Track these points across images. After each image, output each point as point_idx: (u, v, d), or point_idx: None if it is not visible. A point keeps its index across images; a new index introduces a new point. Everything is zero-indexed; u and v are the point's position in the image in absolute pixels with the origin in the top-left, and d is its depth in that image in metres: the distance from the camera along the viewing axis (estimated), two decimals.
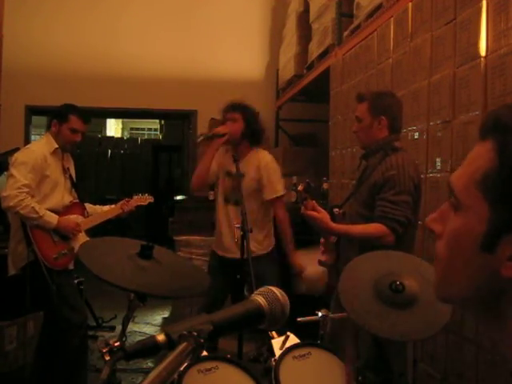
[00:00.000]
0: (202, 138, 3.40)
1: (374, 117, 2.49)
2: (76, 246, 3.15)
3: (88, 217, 3.32)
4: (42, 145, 3.22)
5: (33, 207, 2.98)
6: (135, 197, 3.58)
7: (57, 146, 3.19)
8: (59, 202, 3.19)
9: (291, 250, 3.38)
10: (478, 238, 0.67)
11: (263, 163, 3.30)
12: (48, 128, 3.28)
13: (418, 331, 1.67)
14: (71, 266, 3.22)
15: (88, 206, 3.40)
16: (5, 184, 3.06)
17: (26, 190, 2.99)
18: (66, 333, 3.10)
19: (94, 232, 3.30)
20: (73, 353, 3.12)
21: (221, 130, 3.26)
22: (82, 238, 3.23)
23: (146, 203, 3.62)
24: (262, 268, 3.08)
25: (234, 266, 3.04)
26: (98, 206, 3.46)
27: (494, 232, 0.65)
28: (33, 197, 3.03)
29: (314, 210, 2.33)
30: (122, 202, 3.44)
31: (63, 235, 3.15)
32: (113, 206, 3.47)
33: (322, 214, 2.32)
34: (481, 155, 0.68)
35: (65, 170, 3.28)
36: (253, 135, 3.30)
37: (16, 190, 2.96)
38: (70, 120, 3.19)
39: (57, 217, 3.11)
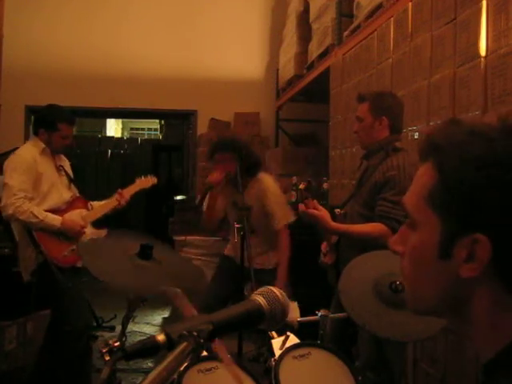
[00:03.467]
0: (199, 200, 3.33)
1: (375, 117, 2.49)
2: (84, 240, 3.15)
3: (91, 209, 3.30)
4: (28, 147, 3.19)
5: (31, 212, 2.96)
6: (137, 180, 3.51)
7: (44, 145, 3.16)
8: (59, 200, 3.17)
9: (282, 278, 3.24)
10: (434, 249, 0.74)
11: (261, 192, 3.23)
12: (35, 132, 3.23)
13: (418, 331, 1.67)
14: (79, 264, 3.18)
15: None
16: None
17: (23, 194, 2.98)
18: (70, 335, 3.08)
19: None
20: (76, 356, 3.10)
21: (214, 179, 3.18)
22: (89, 230, 3.21)
23: (149, 185, 3.53)
24: (267, 278, 3.10)
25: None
26: (95, 202, 3.44)
27: (448, 239, 0.72)
28: (32, 199, 3.02)
29: (314, 208, 2.33)
30: (116, 195, 3.37)
31: (68, 236, 3.13)
32: (108, 199, 3.41)
33: (323, 213, 2.32)
34: (424, 175, 0.77)
35: (58, 168, 3.25)
36: (248, 169, 3.21)
37: (12, 198, 2.95)
38: (60, 129, 3.16)
39: (60, 218, 3.08)
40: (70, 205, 3.22)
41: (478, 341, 0.75)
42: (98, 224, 3.35)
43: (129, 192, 3.42)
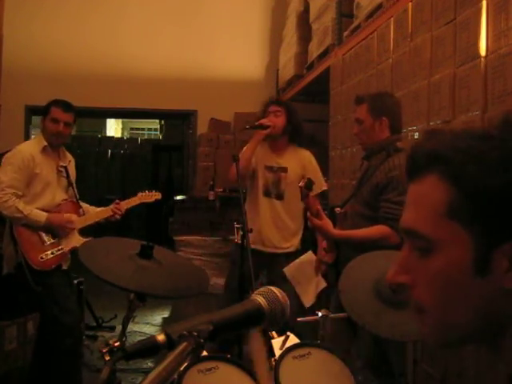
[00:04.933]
0: (247, 127, 3.39)
1: (374, 118, 2.49)
2: (67, 246, 3.10)
3: (83, 215, 3.24)
4: (31, 144, 3.19)
5: (16, 207, 2.95)
6: (139, 194, 3.44)
7: (46, 143, 3.13)
8: (50, 202, 3.13)
9: None
10: (469, 266, 0.67)
11: (307, 161, 3.38)
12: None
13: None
14: (65, 266, 3.16)
15: (84, 205, 3.32)
16: None
17: (12, 190, 2.97)
18: (56, 334, 3.06)
19: (94, 233, 3.26)
20: (65, 354, 3.07)
21: (265, 121, 3.27)
22: (75, 238, 3.16)
23: (152, 200, 3.47)
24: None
25: (271, 260, 3.21)
26: (92, 207, 3.39)
27: (484, 251, 0.66)
28: (21, 197, 3.01)
29: (318, 215, 2.36)
30: (113, 205, 3.29)
31: (54, 234, 3.09)
32: (105, 208, 3.33)
33: (324, 221, 2.36)
34: (430, 191, 0.70)
35: (59, 169, 3.22)
36: (294, 131, 3.35)
37: (0, 193, 2.95)
38: (51, 111, 3.14)
39: (45, 214, 3.04)
40: (60, 208, 3.17)
41: (508, 355, 0.69)
42: (92, 225, 3.30)
43: (127, 204, 3.34)
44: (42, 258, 3.02)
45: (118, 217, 3.28)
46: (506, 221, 0.65)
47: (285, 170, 3.33)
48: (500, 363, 0.70)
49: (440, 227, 0.68)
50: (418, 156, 0.73)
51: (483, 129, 0.72)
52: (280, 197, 3.33)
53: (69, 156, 3.35)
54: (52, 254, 3.05)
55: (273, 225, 3.32)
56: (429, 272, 0.69)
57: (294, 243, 3.38)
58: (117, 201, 3.33)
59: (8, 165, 3.04)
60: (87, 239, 3.18)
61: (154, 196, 3.48)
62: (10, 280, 3.20)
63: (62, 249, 3.08)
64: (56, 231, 3.10)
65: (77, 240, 3.16)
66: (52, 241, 3.09)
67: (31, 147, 3.14)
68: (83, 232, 3.22)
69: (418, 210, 0.71)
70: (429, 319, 0.71)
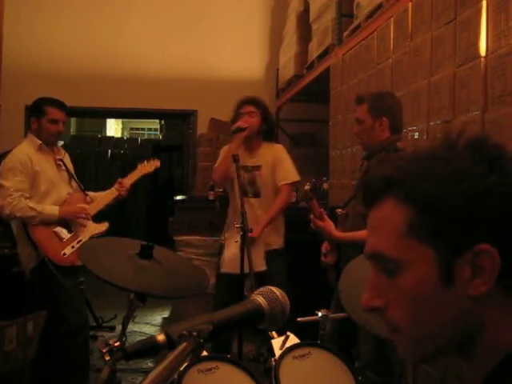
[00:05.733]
0: (232, 133, 3.36)
1: (375, 118, 2.49)
2: (85, 236, 3.13)
3: (91, 203, 3.25)
4: (25, 145, 3.17)
5: (28, 206, 2.96)
6: (139, 166, 3.46)
7: (40, 142, 3.13)
8: (59, 198, 3.14)
9: (261, 226, 3.28)
10: (436, 280, 0.69)
11: (278, 154, 3.40)
12: (29, 128, 3.23)
13: None
14: (78, 262, 3.17)
15: (89, 193, 3.33)
16: None
17: (18, 193, 2.97)
18: (66, 335, 3.08)
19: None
20: (73, 356, 3.09)
21: (241, 124, 3.29)
22: (91, 226, 3.19)
23: (152, 170, 3.48)
24: (278, 265, 3.25)
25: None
26: (97, 193, 3.36)
27: (447, 263, 0.69)
28: (29, 198, 3.01)
29: (321, 217, 2.37)
30: (116, 184, 3.32)
31: (70, 229, 3.10)
32: (110, 189, 3.34)
33: (327, 223, 2.37)
34: (389, 214, 0.73)
35: (57, 163, 3.22)
36: (268, 129, 3.38)
37: (8, 198, 2.95)
38: (48, 112, 3.13)
39: (57, 207, 3.06)
40: (69, 201, 3.18)
41: (479, 362, 0.71)
42: (99, 219, 3.32)
43: (130, 180, 3.36)
44: (64, 254, 3.03)
45: (124, 194, 3.30)
46: (463, 230, 0.68)
47: (259, 168, 3.37)
48: (472, 372, 0.72)
49: (403, 247, 0.71)
50: (373, 183, 0.76)
51: (428, 149, 0.76)
52: (257, 195, 3.38)
53: (62, 149, 3.35)
54: (73, 247, 3.06)
55: (254, 224, 3.28)
56: (399, 291, 0.72)
57: (276, 241, 3.39)
58: (119, 180, 3.35)
59: (8, 170, 3.04)
60: (103, 224, 3.22)
61: (153, 165, 3.50)
62: (11, 280, 3.20)
63: (81, 240, 3.10)
64: (71, 224, 3.11)
65: (93, 228, 3.20)
66: (69, 235, 3.09)
67: (26, 148, 3.13)
68: (95, 219, 3.26)
69: (379, 234, 0.74)
70: (404, 337, 0.74)
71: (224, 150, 3.45)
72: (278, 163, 3.38)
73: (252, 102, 3.42)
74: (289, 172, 3.41)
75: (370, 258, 0.76)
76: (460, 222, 0.68)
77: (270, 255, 3.29)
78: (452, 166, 0.70)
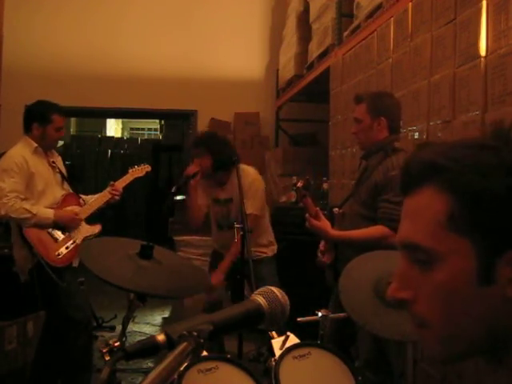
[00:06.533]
0: (174, 188, 3.26)
1: (373, 118, 2.49)
2: (79, 237, 3.15)
3: (84, 205, 3.27)
4: (20, 147, 3.16)
5: (24, 208, 2.96)
6: (130, 170, 3.47)
7: (36, 145, 3.13)
8: (54, 199, 3.15)
9: (223, 267, 3.29)
10: (472, 277, 0.66)
11: (247, 182, 3.22)
12: (27, 130, 3.20)
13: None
14: (75, 264, 3.18)
15: (81, 196, 3.35)
16: None
17: (14, 194, 2.97)
18: (70, 332, 3.09)
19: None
20: (77, 353, 3.11)
21: (190, 171, 3.27)
22: (84, 228, 3.20)
23: (143, 174, 3.50)
24: (265, 269, 3.25)
25: (234, 268, 3.16)
26: (90, 196, 3.38)
27: (487, 260, 0.65)
28: (25, 199, 3.01)
29: (316, 216, 2.36)
30: (109, 188, 3.32)
31: (63, 230, 3.12)
32: (102, 192, 3.35)
33: (323, 223, 2.35)
34: (428, 202, 0.68)
35: (51, 165, 3.22)
36: (223, 163, 3.27)
37: (3, 199, 2.95)
38: (54, 120, 3.15)
39: (52, 211, 3.07)
40: (62, 203, 3.19)
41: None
42: (93, 221, 3.33)
43: (122, 183, 3.37)
44: (58, 254, 3.05)
45: (117, 198, 3.31)
46: (507, 228, 0.64)
47: (230, 200, 3.32)
48: (505, 378, 0.69)
49: (441, 239, 0.67)
50: (414, 168, 0.71)
51: (476, 138, 0.72)
52: (231, 227, 3.13)
53: (55, 152, 3.35)
54: (66, 248, 3.09)
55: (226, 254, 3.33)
56: (431, 285, 0.68)
57: (260, 252, 3.39)
58: (111, 182, 3.36)
59: (3, 172, 3.03)
60: (96, 226, 3.24)
61: (144, 169, 3.52)
62: (11, 280, 3.20)
63: (75, 241, 3.12)
64: (65, 226, 3.12)
65: (86, 230, 3.22)
66: (63, 236, 3.11)
67: (21, 150, 3.13)
68: (89, 221, 3.27)
69: (416, 223, 0.70)
70: (432, 334, 0.70)
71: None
72: (243, 190, 3.20)
73: (195, 144, 3.40)
74: (250, 201, 3.23)
75: (403, 248, 0.71)
76: (505, 218, 0.64)
77: (255, 263, 3.23)
78: (501, 158, 0.66)
